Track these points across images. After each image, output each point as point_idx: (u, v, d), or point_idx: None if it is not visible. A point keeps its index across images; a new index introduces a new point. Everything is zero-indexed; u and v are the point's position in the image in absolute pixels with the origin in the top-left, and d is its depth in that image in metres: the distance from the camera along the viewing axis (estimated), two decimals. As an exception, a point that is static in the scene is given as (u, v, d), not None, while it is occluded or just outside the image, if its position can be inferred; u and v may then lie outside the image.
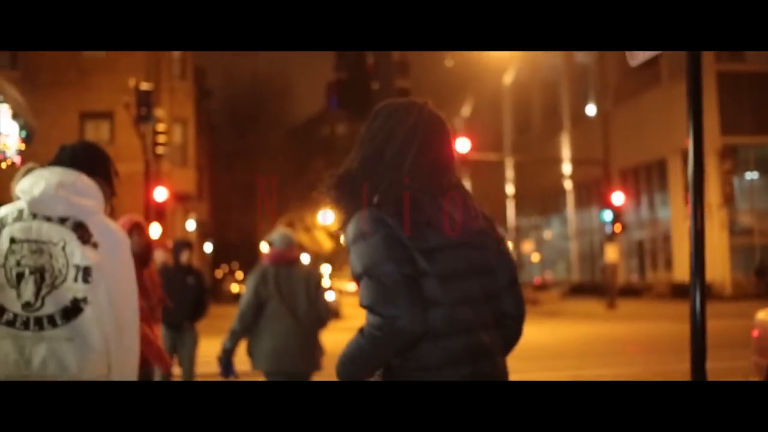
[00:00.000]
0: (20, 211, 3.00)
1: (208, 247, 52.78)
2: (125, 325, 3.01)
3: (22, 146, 11.17)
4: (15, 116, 11.03)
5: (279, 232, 6.69)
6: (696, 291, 3.58)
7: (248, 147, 56.98)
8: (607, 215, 32.28)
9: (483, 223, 2.59)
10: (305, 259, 55.62)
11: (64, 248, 2.94)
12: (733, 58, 36.45)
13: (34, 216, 2.97)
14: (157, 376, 6.56)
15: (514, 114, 58.38)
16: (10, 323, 2.91)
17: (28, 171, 3.09)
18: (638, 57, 3.89)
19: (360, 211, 2.46)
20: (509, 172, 54.11)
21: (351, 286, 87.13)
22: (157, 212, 24.89)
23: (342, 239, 2.54)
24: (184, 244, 9.06)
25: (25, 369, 2.88)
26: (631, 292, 39.55)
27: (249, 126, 56.72)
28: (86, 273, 2.93)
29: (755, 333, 7.33)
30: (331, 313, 6.81)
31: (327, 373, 8.80)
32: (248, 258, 54.56)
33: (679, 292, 36.20)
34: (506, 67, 48.50)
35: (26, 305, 2.90)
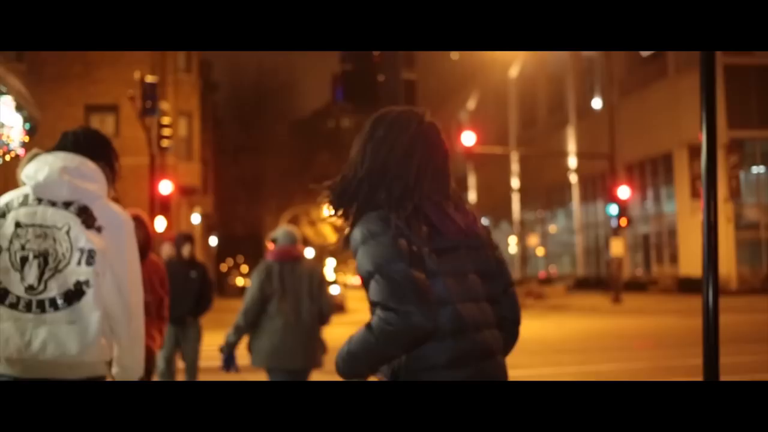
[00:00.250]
0: (26, 196, 3.03)
1: (213, 241, 52.78)
2: (133, 309, 3.05)
3: (26, 138, 11.13)
4: (18, 108, 10.98)
5: (283, 228, 6.80)
6: (708, 286, 3.52)
7: (253, 140, 56.91)
8: (613, 209, 32.19)
9: (480, 228, 2.68)
10: (310, 252, 55.69)
11: (68, 232, 2.97)
12: (740, 51, 36.30)
13: (39, 201, 3.00)
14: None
15: (519, 107, 58.28)
16: (13, 306, 2.94)
17: (33, 157, 3.12)
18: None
19: (367, 214, 2.52)
20: (514, 166, 54.12)
21: (355, 280, 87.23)
22: (162, 206, 24.86)
23: (347, 244, 2.58)
24: (185, 237, 8.91)
25: (25, 351, 2.90)
26: (636, 286, 39.48)
27: (254, 119, 56.64)
28: (90, 256, 2.96)
29: None
30: (333, 310, 6.86)
31: (328, 369, 8.77)
32: (253, 252, 54.62)
33: (684, 286, 36.13)
34: (512, 60, 48.43)
35: (29, 288, 2.94)
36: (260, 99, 56.35)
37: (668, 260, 40.10)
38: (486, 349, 2.54)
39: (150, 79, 23.85)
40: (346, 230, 2.63)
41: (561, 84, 51.70)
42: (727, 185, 35.46)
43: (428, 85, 60.50)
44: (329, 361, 6.88)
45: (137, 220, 5.48)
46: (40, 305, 2.94)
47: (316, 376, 6.59)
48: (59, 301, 2.94)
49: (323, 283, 6.62)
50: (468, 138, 31.97)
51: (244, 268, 65.38)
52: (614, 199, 32.08)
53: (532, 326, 21.58)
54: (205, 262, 9.19)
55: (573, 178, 49.16)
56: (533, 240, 53.64)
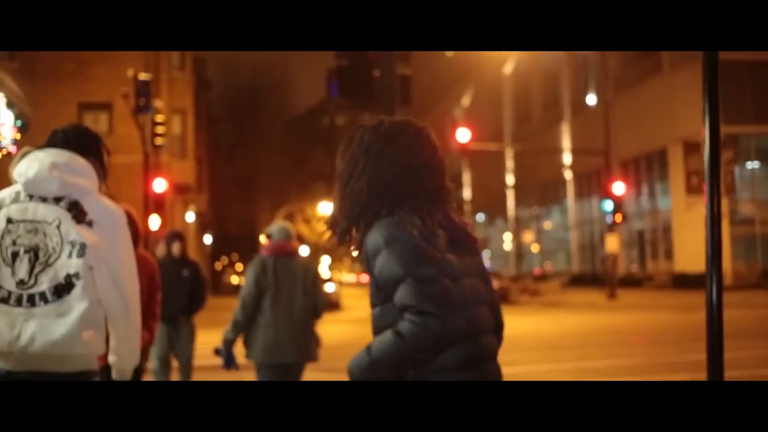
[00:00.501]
0: (17, 193, 3.10)
1: (207, 239, 52.68)
2: (130, 301, 3.12)
3: (18, 136, 11.05)
4: (10, 105, 10.90)
5: (278, 224, 6.82)
6: (712, 282, 3.50)
7: (248, 138, 56.85)
8: (608, 205, 32.18)
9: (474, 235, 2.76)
10: (305, 250, 55.60)
11: (59, 227, 3.03)
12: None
13: (31, 197, 3.06)
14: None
15: (514, 104, 58.26)
16: (4, 300, 3.00)
17: (24, 155, 3.18)
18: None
19: (382, 219, 2.54)
20: (509, 162, 54.09)
21: (350, 278, 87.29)
22: (157, 204, 24.77)
23: (361, 250, 2.61)
24: (175, 235, 8.77)
25: (15, 344, 2.96)
26: (631, 282, 39.49)
27: (249, 117, 56.56)
28: (81, 248, 3.01)
29: None
30: (326, 305, 6.90)
31: (326, 366, 8.72)
32: (248, 250, 54.46)
33: (679, 282, 36.16)
34: (507, 57, 48.38)
35: (20, 283, 2.99)
36: (254, 96, 56.28)
37: (663, 256, 40.12)
38: (491, 352, 2.62)
39: (143, 76, 23.75)
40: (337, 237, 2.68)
41: (556, 80, 51.68)
42: (722, 181, 35.45)
43: (423, 82, 60.51)
44: (324, 356, 6.82)
45: (126, 214, 5.40)
46: (31, 299, 2.99)
47: (316, 374, 6.56)
48: (49, 295, 2.99)
49: (317, 278, 6.67)
50: (463, 135, 31.93)
51: (239, 266, 65.27)
52: (609, 195, 32.07)
53: (529, 323, 21.56)
54: (198, 260, 9.08)
55: (568, 175, 49.17)
56: (528, 237, 53.64)
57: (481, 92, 57.69)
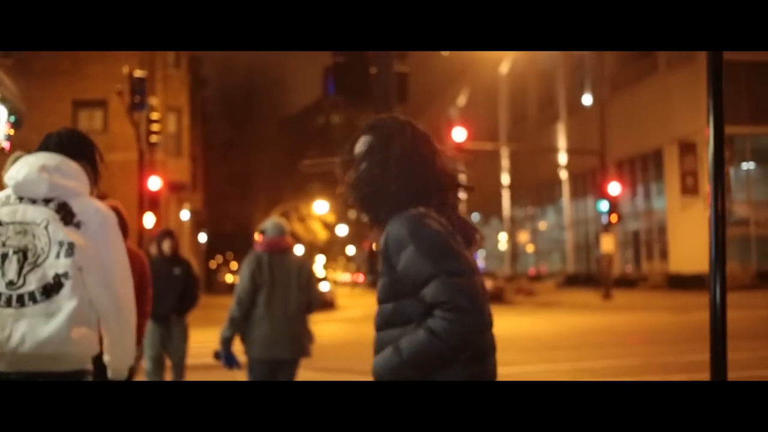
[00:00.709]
0: (7, 197, 3.15)
1: (202, 238, 52.56)
2: (122, 301, 3.14)
3: (11, 131, 10.96)
4: (3, 101, 10.81)
5: (271, 220, 6.82)
6: (716, 281, 3.45)
7: (243, 136, 56.75)
8: (604, 205, 32.16)
9: None
10: (299, 249, 55.48)
11: (47, 227, 3.07)
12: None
13: (20, 199, 3.11)
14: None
15: (510, 103, 58.25)
16: None
17: (17, 159, 3.25)
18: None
19: (403, 214, 2.55)
20: (505, 162, 54.06)
21: (345, 277, 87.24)
22: (151, 202, 24.66)
23: (384, 244, 2.58)
24: (165, 233, 8.66)
25: (6, 345, 2.97)
26: (626, 282, 39.50)
27: (244, 115, 56.46)
28: (69, 248, 3.04)
29: None
30: (320, 301, 6.95)
31: (317, 365, 8.70)
32: (243, 248, 54.33)
33: (674, 282, 36.16)
34: (503, 56, 48.33)
35: (9, 284, 3.02)
36: (250, 95, 56.20)
37: (658, 257, 40.12)
38: (494, 345, 2.66)
39: (139, 73, 23.63)
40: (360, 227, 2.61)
41: (551, 80, 51.67)
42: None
43: (419, 81, 60.41)
44: (319, 356, 6.81)
45: (113, 210, 5.32)
46: (20, 300, 3.01)
47: (310, 373, 6.52)
48: (38, 295, 3.02)
49: (312, 275, 6.69)
50: (458, 134, 31.88)
51: (234, 265, 65.14)
52: (605, 195, 32.05)
53: (524, 323, 21.54)
54: (190, 258, 8.96)
55: (563, 175, 49.16)
56: (523, 236, 53.63)
57: (476, 91, 57.66)
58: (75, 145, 3.32)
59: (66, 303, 3.00)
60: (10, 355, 2.97)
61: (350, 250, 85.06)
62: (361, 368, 10.75)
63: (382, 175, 2.62)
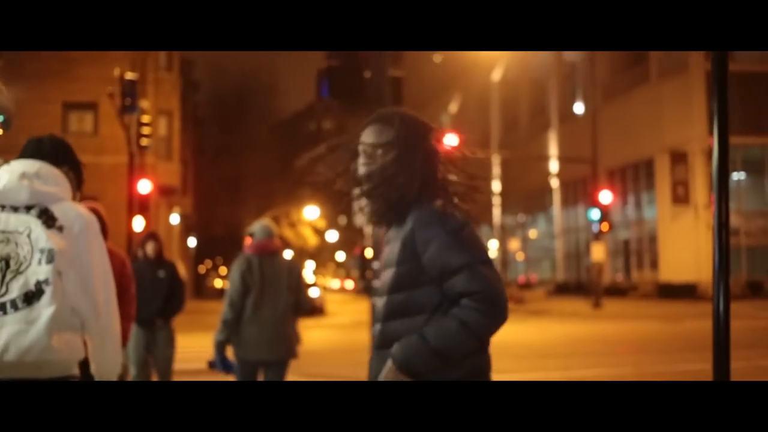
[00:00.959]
0: None
1: (191, 242, 52.35)
2: (101, 306, 3.11)
3: None
4: (-8, 101, 10.64)
5: (260, 223, 6.84)
6: (720, 289, 3.37)
7: (234, 141, 56.57)
8: (595, 214, 32.13)
9: None
10: (289, 254, 55.33)
11: (29, 235, 3.06)
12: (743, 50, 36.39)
13: (2, 207, 3.11)
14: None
15: (501, 111, 58.29)
16: None
17: None
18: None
19: (426, 206, 2.60)
20: (496, 169, 54.06)
21: (335, 283, 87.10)
22: (141, 205, 24.49)
23: (407, 236, 2.60)
24: (148, 235, 8.48)
25: None
26: (616, 291, 39.50)
27: (235, 120, 56.28)
28: (50, 254, 3.03)
29: None
30: (309, 304, 6.95)
31: (307, 371, 8.59)
32: (232, 253, 54.15)
33: (664, 292, 36.18)
34: (495, 63, 48.39)
35: None
36: (241, 100, 56.08)
37: (648, 266, 40.15)
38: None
39: (130, 76, 23.48)
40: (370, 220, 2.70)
41: (543, 88, 51.73)
42: (709, 191, 35.53)
43: (411, 87, 60.39)
44: (308, 362, 6.72)
45: (94, 212, 5.23)
46: (2, 307, 2.99)
47: (298, 378, 6.45)
48: (19, 302, 3.00)
49: (301, 278, 6.77)
50: (450, 140, 31.80)
51: (223, 270, 64.91)
52: (596, 204, 32.03)
53: (515, 331, 21.45)
54: (179, 262, 8.84)
55: (554, 183, 49.18)
56: (514, 244, 53.61)
57: (468, 99, 57.69)
58: (56, 151, 3.33)
59: (46, 310, 2.98)
60: None
61: (340, 256, 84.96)
62: (350, 374, 10.66)
63: (408, 168, 2.64)
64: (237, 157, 55.68)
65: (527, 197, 53.67)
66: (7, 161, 3.27)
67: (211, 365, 6.43)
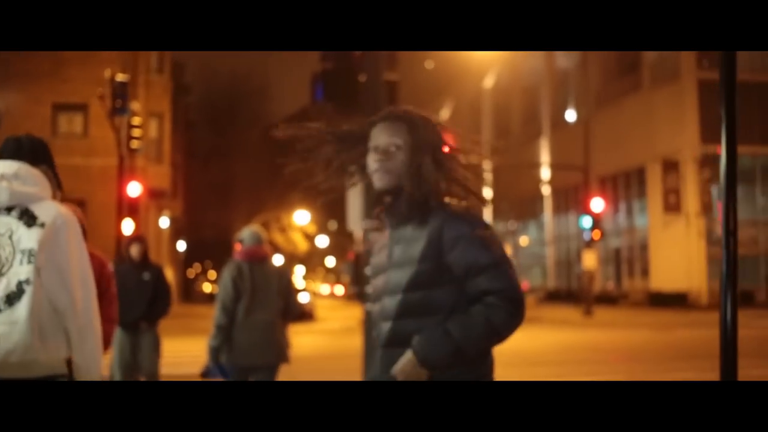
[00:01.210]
0: None
1: (181, 246, 52.11)
2: (78, 304, 3.11)
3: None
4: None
5: (249, 229, 6.93)
6: (727, 297, 3.30)
7: (225, 145, 56.41)
8: (586, 221, 32.09)
9: None
10: (279, 260, 55.16)
11: (11, 237, 3.07)
12: (714, 66, 36.45)
13: None
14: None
15: (493, 118, 58.29)
16: None
17: None
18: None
19: (452, 206, 2.65)
20: (487, 176, 54.03)
21: (324, 288, 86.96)
22: (130, 208, 24.35)
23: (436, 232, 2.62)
24: (133, 238, 8.45)
25: None
26: (607, 299, 39.48)
27: (226, 123, 56.14)
28: (30, 254, 3.04)
29: None
30: (299, 309, 7.20)
31: (297, 378, 8.50)
32: (221, 257, 53.93)
33: (655, 300, 36.15)
34: (487, 70, 48.39)
35: None
36: (233, 103, 55.94)
37: (639, 274, 40.14)
38: None
39: (121, 78, 23.34)
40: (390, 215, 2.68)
41: (535, 95, 51.76)
42: (699, 200, 35.56)
43: (403, 93, 60.36)
44: (298, 368, 6.61)
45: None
46: None
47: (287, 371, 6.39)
48: (1, 304, 3.00)
49: (291, 283, 6.88)
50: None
51: (212, 274, 64.66)
52: (588, 211, 31.99)
53: (505, 338, 21.32)
54: (167, 266, 8.72)
55: (545, 190, 49.17)
56: (504, 251, 53.49)
57: (460, 105, 57.70)
58: (34, 151, 3.34)
59: (27, 309, 2.98)
60: None
61: (330, 261, 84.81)
62: (342, 380, 10.53)
63: (435, 168, 2.66)
64: (227, 160, 55.54)
65: (518, 204, 53.66)
66: None
67: (205, 374, 6.35)
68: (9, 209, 3.10)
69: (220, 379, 6.38)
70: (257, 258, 6.63)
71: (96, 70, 27.99)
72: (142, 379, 8.01)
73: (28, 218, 3.10)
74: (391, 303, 2.61)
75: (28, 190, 3.16)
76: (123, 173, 23.91)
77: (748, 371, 12.59)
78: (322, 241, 68.48)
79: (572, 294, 41.83)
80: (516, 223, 55.60)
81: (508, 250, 53.25)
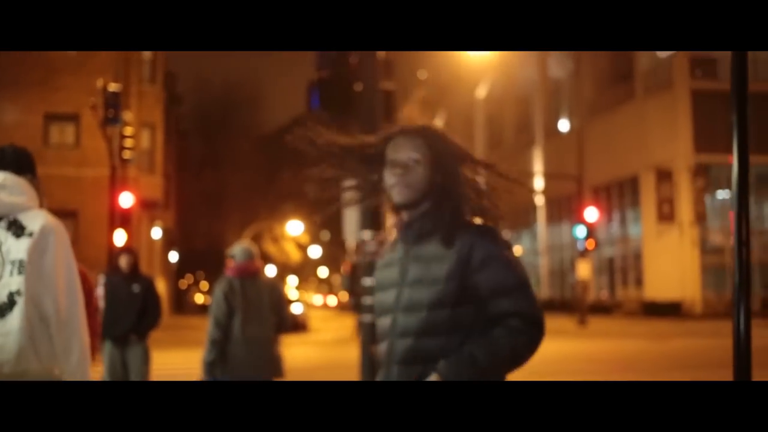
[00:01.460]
0: None
1: (173, 257, 51.90)
2: (63, 314, 3.10)
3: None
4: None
5: (240, 246, 7.02)
6: (740, 307, 3.20)
7: (217, 155, 56.31)
8: (580, 231, 32.04)
9: None
10: (272, 270, 54.99)
11: (0, 248, 3.08)
12: (706, 75, 36.54)
13: None
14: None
15: (486, 127, 58.30)
16: None
17: None
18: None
19: (481, 226, 2.66)
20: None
21: (317, 299, 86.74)
22: (123, 219, 24.22)
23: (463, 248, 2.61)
24: (122, 249, 8.41)
25: None
26: (601, 309, 39.41)
27: (218, 134, 56.04)
28: (20, 265, 3.04)
29: None
30: (290, 323, 7.36)
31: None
32: (214, 268, 53.77)
33: (649, 310, 36.10)
34: (479, 80, 48.45)
35: None
36: (225, 113, 55.87)
37: (633, 283, 40.10)
38: None
39: (113, 87, 23.22)
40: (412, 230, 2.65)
41: (528, 105, 51.79)
42: (693, 209, 35.56)
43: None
44: (292, 379, 6.55)
45: None
46: None
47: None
48: None
49: (282, 296, 7.00)
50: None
51: (204, 285, 64.43)
52: (582, 221, 31.94)
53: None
54: (153, 276, 8.63)
55: (539, 200, 49.14)
56: (498, 261, 53.45)
57: (453, 115, 57.72)
58: (18, 161, 3.33)
59: (19, 320, 3.00)
60: None
61: (323, 271, 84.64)
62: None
63: (460, 187, 2.67)
64: (220, 170, 55.42)
65: (512, 214, 53.27)
66: None
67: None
68: None
69: None
70: (248, 273, 6.74)
71: (88, 79, 27.87)
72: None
73: (17, 228, 3.10)
74: (409, 320, 2.58)
75: (16, 200, 3.16)
76: (115, 184, 23.77)
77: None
78: (315, 251, 68.32)
79: (566, 303, 41.76)
80: (509, 232, 55.45)
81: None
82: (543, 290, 49.76)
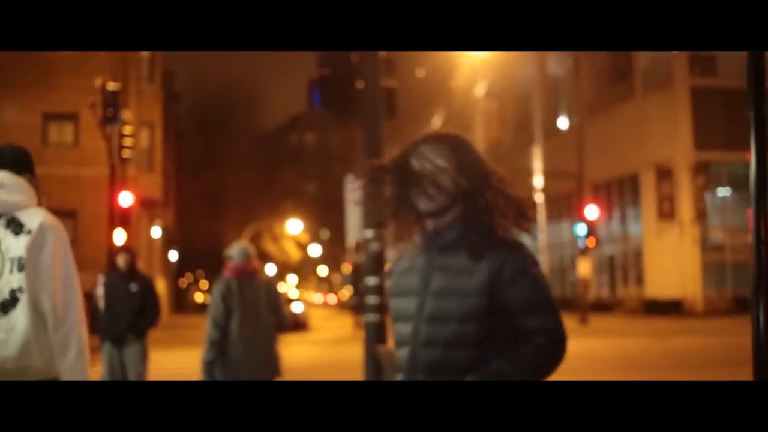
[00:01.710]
0: None
1: (173, 255, 51.84)
2: (59, 312, 3.11)
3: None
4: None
5: (237, 245, 7.07)
6: (759, 307, 3.15)
7: (216, 154, 56.29)
8: (581, 229, 31.98)
9: None
10: (271, 269, 54.90)
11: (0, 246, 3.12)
12: (706, 72, 36.48)
13: None
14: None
15: (485, 126, 58.20)
16: None
17: None
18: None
19: (512, 242, 2.64)
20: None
21: (317, 298, 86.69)
22: (122, 218, 24.15)
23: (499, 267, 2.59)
24: (120, 249, 8.42)
25: None
26: (602, 307, 39.37)
27: (217, 133, 56.02)
28: (20, 262, 3.08)
29: None
30: (288, 322, 7.24)
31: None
32: (214, 267, 53.66)
33: (650, 308, 36.04)
34: (479, 77, 48.36)
35: None
36: (223, 112, 55.86)
37: (634, 281, 40.05)
38: None
39: (112, 86, 23.13)
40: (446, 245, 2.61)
41: (528, 103, 51.74)
42: (694, 207, 35.51)
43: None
44: (292, 378, 6.50)
45: None
46: None
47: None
48: None
49: (278, 296, 7.02)
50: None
51: (204, 284, 64.36)
52: (582, 219, 31.88)
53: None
54: (152, 275, 8.59)
55: (539, 198, 49.07)
56: (498, 259, 53.40)
57: (452, 113, 57.64)
58: (17, 160, 3.36)
59: (23, 316, 3.04)
60: None
61: (323, 270, 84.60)
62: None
63: (491, 199, 2.63)
64: (219, 169, 55.42)
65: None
66: None
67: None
68: None
69: None
70: (245, 274, 6.78)
71: (86, 79, 27.77)
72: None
73: (15, 226, 3.14)
74: (435, 330, 2.57)
75: (14, 199, 3.19)
76: (114, 183, 23.70)
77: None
78: (315, 250, 68.26)
79: (567, 302, 41.69)
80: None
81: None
82: (543, 288, 49.70)
